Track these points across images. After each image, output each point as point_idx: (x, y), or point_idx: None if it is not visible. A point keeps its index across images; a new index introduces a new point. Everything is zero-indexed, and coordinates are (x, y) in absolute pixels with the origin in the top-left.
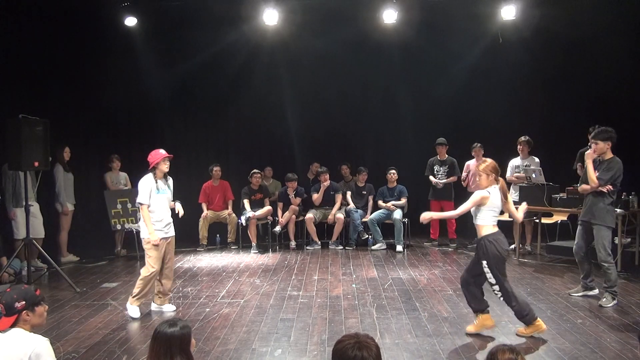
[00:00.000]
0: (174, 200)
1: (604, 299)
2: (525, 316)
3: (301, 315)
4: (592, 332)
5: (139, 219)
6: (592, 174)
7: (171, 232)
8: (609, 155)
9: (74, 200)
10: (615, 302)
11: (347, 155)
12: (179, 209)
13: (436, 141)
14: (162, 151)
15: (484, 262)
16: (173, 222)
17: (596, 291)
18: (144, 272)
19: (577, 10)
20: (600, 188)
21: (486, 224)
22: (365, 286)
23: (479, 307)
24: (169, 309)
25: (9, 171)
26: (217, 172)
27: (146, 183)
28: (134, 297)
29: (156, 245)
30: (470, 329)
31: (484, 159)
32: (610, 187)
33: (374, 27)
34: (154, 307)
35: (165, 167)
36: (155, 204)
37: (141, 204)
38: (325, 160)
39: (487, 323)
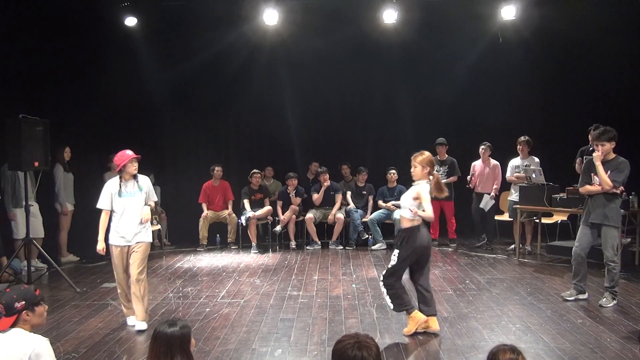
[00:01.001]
0: (155, 202)
1: (604, 298)
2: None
3: (301, 315)
4: (592, 332)
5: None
6: (605, 176)
7: (138, 239)
8: (612, 155)
9: (73, 200)
10: (615, 302)
11: (347, 155)
12: (144, 213)
13: (436, 141)
14: (129, 152)
15: (396, 251)
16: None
17: (586, 295)
18: None
19: (577, 11)
20: (614, 190)
21: (414, 217)
22: (365, 286)
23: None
24: (137, 324)
25: (8, 172)
26: (219, 172)
27: (107, 187)
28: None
29: (103, 252)
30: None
31: (421, 151)
32: (622, 188)
33: (374, 27)
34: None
35: (132, 168)
36: (116, 208)
37: (101, 209)
38: (325, 160)
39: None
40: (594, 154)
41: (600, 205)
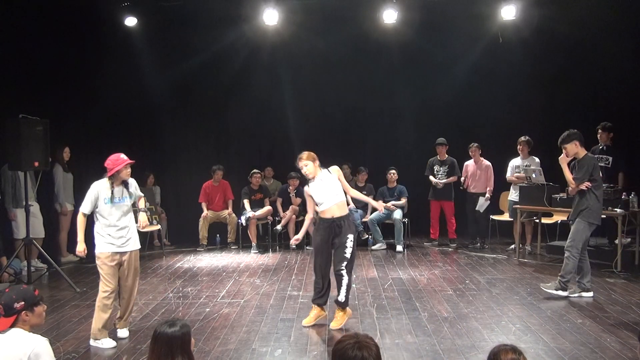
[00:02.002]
0: (141, 208)
1: (550, 282)
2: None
3: (301, 315)
4: (592, 332)
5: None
6: (569, 176)
7: (130, 246)
8: (582, 153)
9: (73, 200)
10: (560, 292)
11: (347, 155)
12: (142, 220)
13: (436, 141)
14: (124, 156)
15: (351, 236)
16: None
17: (591, 294)
18: (99, 293)
19: (577, 10)
20: (580, 187)
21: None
22: (365, 286)
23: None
24: (122, 335)
25: (8, 172)
26: (219, 174)
27: (93, 190)
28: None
29: (83, 254)
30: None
31: (302, 152)
32: (589, 183)
33: (374, 27)
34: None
35: (126, 173)
36: (106, 215)
37: (82, 213)
38: (325, 160)
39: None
40: (559, 157)
41: (575, 202)
